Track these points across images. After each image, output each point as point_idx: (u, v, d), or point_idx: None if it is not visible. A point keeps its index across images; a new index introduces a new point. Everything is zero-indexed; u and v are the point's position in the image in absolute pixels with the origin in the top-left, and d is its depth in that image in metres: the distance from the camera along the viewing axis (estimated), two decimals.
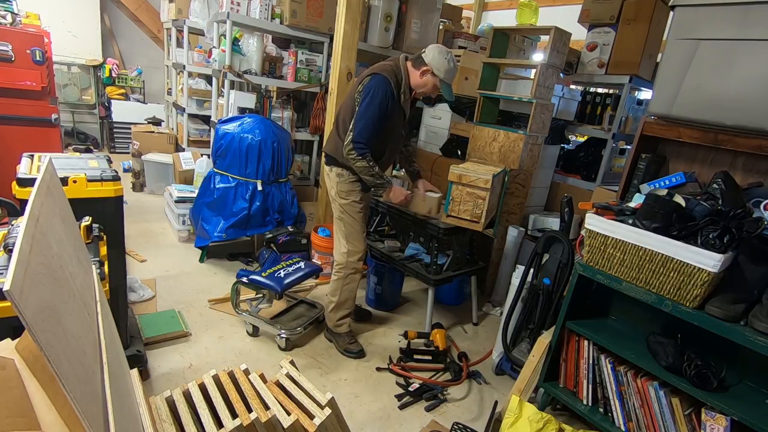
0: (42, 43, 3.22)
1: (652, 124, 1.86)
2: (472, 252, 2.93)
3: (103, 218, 1.66)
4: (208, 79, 4.66)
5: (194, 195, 3.38)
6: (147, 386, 1.97)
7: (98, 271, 1.32)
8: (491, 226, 2.70)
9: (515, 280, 2.34)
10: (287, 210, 3.22)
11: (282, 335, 2.36)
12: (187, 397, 1.30)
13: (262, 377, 1.40)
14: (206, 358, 2.24)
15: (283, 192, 3.21)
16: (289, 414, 1.25)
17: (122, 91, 6.10)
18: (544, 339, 1.98)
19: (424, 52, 2.15)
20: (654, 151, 1.97)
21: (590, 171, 3.55)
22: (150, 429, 1.14)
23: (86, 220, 1.50)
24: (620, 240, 1.60)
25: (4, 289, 0.52)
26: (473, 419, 2.10)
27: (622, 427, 1.73)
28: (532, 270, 2.24)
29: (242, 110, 3.52)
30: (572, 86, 3.89)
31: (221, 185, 3.06)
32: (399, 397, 2.15)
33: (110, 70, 5.92)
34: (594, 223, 1.68)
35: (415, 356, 2.43)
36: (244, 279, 2.40)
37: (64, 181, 1.61)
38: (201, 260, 3.24)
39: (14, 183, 1.59)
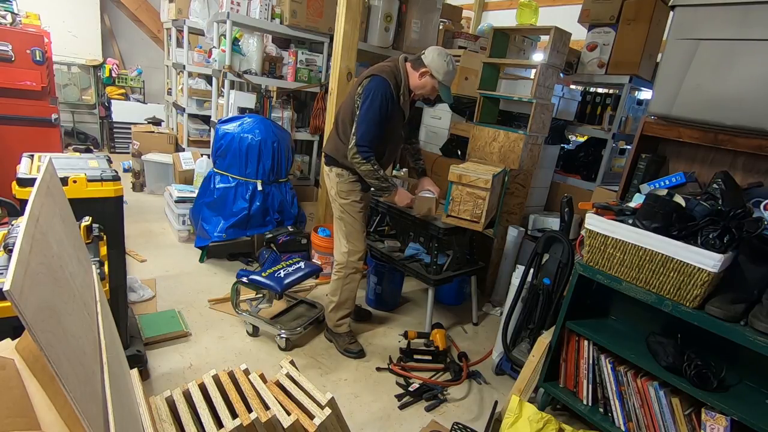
0: (42, 43, 3.22)
1: (652, 124, 1.86)
2: (472, 252, 2.93)
3: (103, 218, 1.66)
4: (208, 79, 4.66)
5: (194, 195, 3.38)
6: (147, 386, 1.97)
7: (98, 271, 1.32)
8: (491, 226, 2.70)
9: (515, 280, 2.34)
10: (287, 210, 3.22)
11: (282, 335, 2.36)
12: (187, 397, 1.30)
13: (262, 377, 1.40)
14: (206, 358, 2.24)
15: (283, 192, 3.21)
16: (289, 414, 1.25)
17: (122, 91, 6.10)
18: (544, 339, 1.98)
19: (423, 53, 2.15)
20: (654, 151, 1.97)
21: (590, 171, 3.55)
22: (150, 429, 1.14)
23: (86, 220, 1.50)
24: (620, 240, 1.60)
25: (4, 289, 0.52)
26: (473, 419, 2.10)
27: (622, 427, 1.73)
28: (532, 270, 2.24)
29: (242, 110, 3.52)
30: (572, 86, 3.89)
31: (221, 185, 3.06)
32: (399, 397, 2.15)
33: (110, 70, 5.92)
34: (594, 223, 1.68)
35: (415, 356, 2.43)
36: (244, 279, 2.40)
37: (64, 181, 1.61)
38: (201, 260, 3.24)
39: (14, 183, 1.59)
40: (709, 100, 1.63)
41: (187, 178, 4.09)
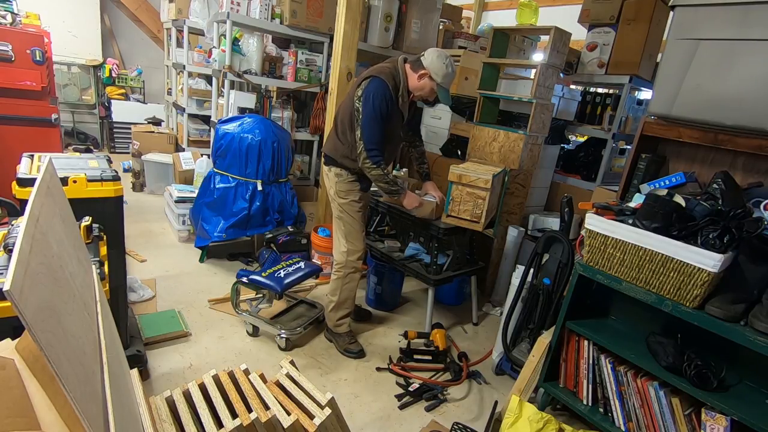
0: (42, 43, 3.22)
1: (652, 124, 1.86)
2: (472, 252, 2.93)
3: (103, 218, 1.66)
4: (208, 79, 4.66)
5: (194, 195, 3.39)
6: (147, 386, 1.97)
7: (98, 271, 1.32)
8: (491, 226, 2.70)
9: (515, 280, 2.34)
10: (287, 210, 3.22)
11: (282, 335, 2.36)
12: (187, 397, 1.30)
13: (262, 377, 1.40)
14: (206, 358, 2.24)
15: (283, 192, 3.21)
16: (289, 414, 1.25)
17: (122, 91, 6.10)
18: (544, 339, 1.98)
19: (423, 55, 2.16)
20: (654, 151, 1.97)
21: (590, 171, 3.55)
22: (150, 429, 1.14)
23: (86, 220, 1.50)
24: (620, 240, 1.60)
25: (4, 289, 0.52)
26: (473, 419, 2.10)
27: (622, 427, 1.73)
28: (532, 270, 2.24)
29: (242, 110, 3.52)
30: (572, 86, 3.89)
31: (221, 185, 3.06)
32: (399, 397, 2.15)
33: (110, 70, 5.92)
34: (594, 223, 1.68)
35: (415, 356, 2.43)
36: (244, 279, 2.40)
37: (64, 181, 1.61)
38: (201, 260, 3.24)
39: (14, 183, 1.59)
40: (709, 100, 1.63)
41: (187, 178, 4.09)
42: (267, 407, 1.27)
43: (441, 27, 4.12)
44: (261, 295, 2.45)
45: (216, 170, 3.13)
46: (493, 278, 3.25)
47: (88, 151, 4.65)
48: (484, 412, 2.14)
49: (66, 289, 0.78)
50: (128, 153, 5.45)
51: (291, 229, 2.91)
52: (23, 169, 1.68)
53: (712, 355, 1.55)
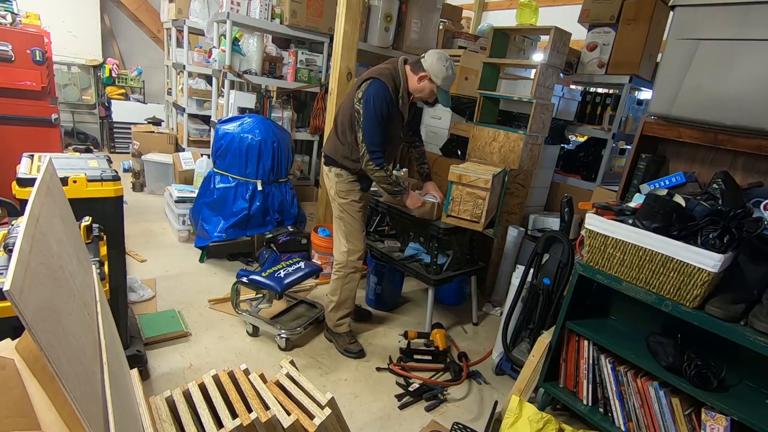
0: (42, 43, 3.22)
1: (652, 124, 1.86)
2: (472, 252, 2.93)
3: (103, 218, 1.66)
4: (208, 79, 4.66)
5: (194, 195, 3.39)
6: (147, 386, 1.97)
7: (98, 271, 1.32)
8: (491, 226, 2.70)
9: (515, 280, 2.34)
10: (287, 210, 3.22)
11: (282, 335, 2.36)
12: (187, 397, 1.30)
13: (262, 377, 1.40)
14: (206, 358, 2.24)
15: (283, 192, 3.21)
16: (289, 414, 1.25)
17: (122, 91, 6.10)
18: (544, 339, 1.98)
19: (423, 57, 2.16)
20: (654, 151, 1.97)
21: (590, 171, 3.55)
22: (150, 429, 1.14)
23: (86, 220, 1.50)
24: (620, 240, 1.60)
25: (4, 289, 0.52)
26: (473, 419, 2.10)
27: (622, 427, 1.73)
28: (532, 270, 2.24)
29: (242, 110, 3.52)
30: (572, 86, 3.89)
31: (221, 185, 3.06)
32: (399, 397, 2.15)
33: (110, 70, 5.92)
34: (594, 223, 1.68)
35: (415, 356, 2.43)
36: (244, 279, 2.40)
37: (64, 181, 1.61)
38: (201, 260, 3.24)
39: (14, 183, 1.59)
40: (709, 100, 1.63)
41: (187, 178, 4.09)
42: (267, 407, 1.27)
43: (441, 27, 4.12)
44: (261, 295, 2.45)
45: (216, 170, 3.13)
46: (493, 278, 3.25)
47: (88, 151, 4.65)
48: (484, 412, 2.14)
49: (66, 289, 0.78)
50: (128, 153, 5.45)
51: (291, 229, 2.91)
52: (23, 169, 1.68)
53: (712, 355, 1.55)
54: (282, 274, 2.42)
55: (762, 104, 1.51)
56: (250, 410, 1.24)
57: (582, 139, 4.12)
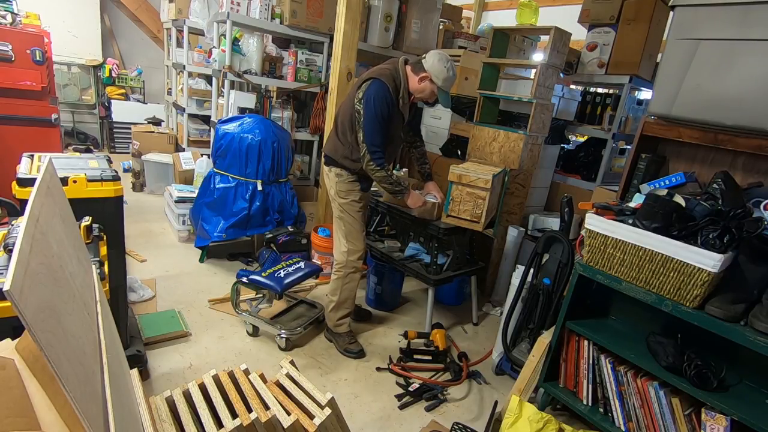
0: (42, 43, 3.22)
1: (652, 124, 1.86)
2: (472, 252, 2.93)
3: (103, 218, 1.66)
4: (208, 79, 4.66)
5: (194, 195, 3.38)
6: (147, 386, 1.97)
7: (98, 271, 1.32)
8: (491, 226, 2.70)
9: (515, 280, 2.34)
10: (287, 210, 3.22)
11: (282, 335, 2.36)
12: (187, 397, 1.30)
13: (262, 377, 1.40)
14: (206, 358, 2.24)
15: (283, 192, 3.21)
16: (289, 414, 1.25)
17: (122, 91, 6.10)
18: (544, 339, 1.98)
19: (424, 57, 2.16)
20: (654, 151, 1.98)
21: (590, 171, 3.55)
22: (150, 429, 1.14)
23: (86, 220, 1.50)
24: (620, 240, 1.60)
25: (4, 289, 0.52)
26: (473, 419, 2.10)
27: (622, 427, 1.73)
28: (532, 270, 2.24)
29: (242, 110, 3.52)
30: (572, 86, 3.89)
31: (221, 185, 3.06)
32: (399, 397, 2.15)
33: (110, 70, 5.92)
34: (594, 223, 1.68)
35: (415, 356, 2.43)
36: (244, 279, 2.40)
37: (64, 181, 1.61)
38: (201, 260, 3.24)
39: (14, 183, 1.59)
40: (709, 100, 1.63)
41: (187, 178, 4.09)
42: (267, 407, 1.27)
43: (441, 27, 4.12)
44: (261, 295, 2.45)
45: (216, 170, 3.13)
46: (493, 278, 3.25)
47: (88, 151, 4.65)
48: (484, 412, 2.14)
49: (66, 289, 0.78)
50: (128, 153, 5.45)
51: (291, 229, 2.91)
52: (23, 169, 1.68)
53: (712, 355, 1.55)
54: (282, 274, 2.42)
55: (762, 104, 1.51)
56: (250, 410, 1.24)
57: (582, 139, 4.12)
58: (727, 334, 1.38)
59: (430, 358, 2.44)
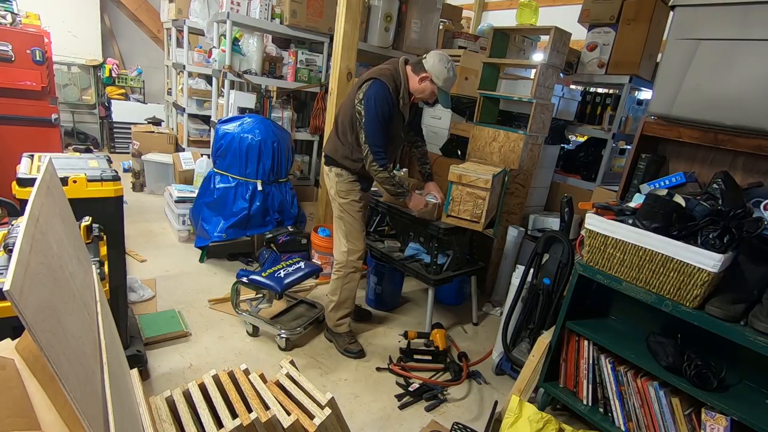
0: (42, 43, 3.22)
1: (652, 124, 1.86)
2: (472, 252, 2.93)
3: (103, 218, 1.66)
4: (208, 79, 4.66)
5: (194, 195, 3.38)
6: (147, 386, 1.97)
7: (98, 271, 1.32)
8: (491, 226, 2.70)
9: (515, 280, 2.34)
10: (287, 210, 3.22)
11: (282, 335, 2.36)
12: (187, 397, 1.30)
13: (262, 377, 1.40)
14: (206, 358, 2.24)
15: (283, 192, 3.21)
16: (289, 414, 1.25)
17: (122, 91, 6.10)
18: (544, 339, 1.98)
19: (424, 58, 2.16)
20: (654, 151, 1.98)
21: (590, 171, 3.55)
22: (150, 429, 1.14)
23: (86, 220, 1.50)
24: (620, 240, 1.60)
25: (4, 289, 0.52)
26: (473, 419, 2.10)
27: (622, 427, 1.73)
28: (532, 270, 2.24)
29: (242, 110, 3.52)
30: (572, 86, 3.89)
31: (221, 185, 3.06)
32: (399, 397, 2.15)
33: (110, 70, 5.92)
34: (594, 223, 1.68)
35: (415, 356, 2.43)
36: (244, 279, 2.40)
37: (64, 181, 1.61)
38: (201, 260, 3.24)
39: (14, 183, 1.59)
40: (709, 100, 1.63)
41: (187, 178, 4.09)
42: (267, 407, 1.27)
43: (441, 27, 4.12)
44: (261, 295, 2.45)
45: (216, 170, 3.13)
46: (493, 278, 3.25)
47: (88, 151, 4.65)
48: (484, 412, 2.14)
49: (66, 289, 0.78)
50: (128, 153, 5.45)
51: (291, 229, 2.91)
52: (23, 169, 1.68)
53: (712, 355, 1.55)
54: (282, 274, 2.42)
55: (762, 104, 1.51)
56: (250, 410, 1.24)
57: (582, 139, 4.12)
58: (727, 334, 1.38)
59: (430, 358, 2.44)
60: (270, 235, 2.75)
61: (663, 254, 1.49)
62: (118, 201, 1.77)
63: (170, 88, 5.44)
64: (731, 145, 1.65)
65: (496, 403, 2.06)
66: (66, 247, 0.92)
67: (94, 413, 0.66)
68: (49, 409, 0.77)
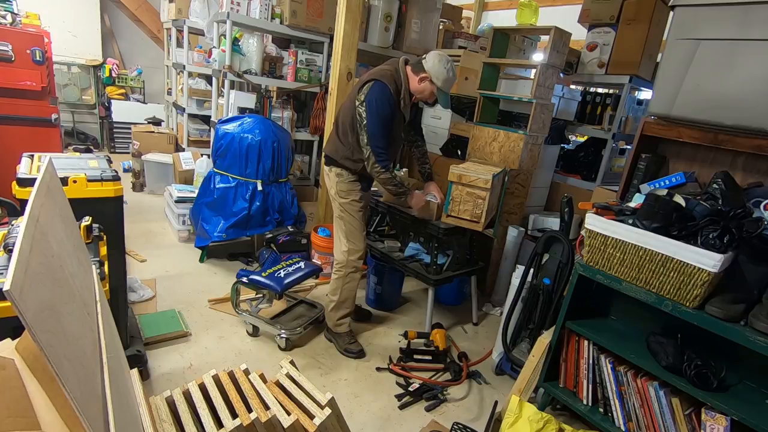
0: (42, 43, 3.22)
1: (652, 124, 1.86)
2: (472, 252, 2.93)
3: (103, 218, 1.66)
4: (208, 79, 4.66)
5: (194, 195, 3.38)
6: (147, 386, 1.97)
7: (98, 271, 1.32)
8: (491, 226, 2.70)
9: (515, 280, 2.34)
10: (287, 210, 3.22)
11: (282, 335, 2.36)
12: (187, 397, 1.30)
13: (262, 377, 1.40)
14: (206, 358, 2.24)
15: (283, 192, 3.21)
16: (289, 414, 1.25)
17: (122, 91, 6.10)
18: (544, 339, 1.98)
19: (424, 58, 2.16)
20: (654, 151, 1.97)
21: (590, 171, 3.55)
22: (150, 429, 1.14)
23: (86, 220, 1.50)
24: (620, 240, 1.60)
25: (4, 289, 0.52)
26: (473, 419, 2.10)
27: (622, 427, 1.73)
28: (532, 270, 2.24)
29: (242, 110, 3.52)
30: (572, 86, 3.89)
31: (221, 185, 3.06)
32: (399, 397, 2.15)
33: (110, 70, 5.91)
34: (594, 223, 1.68)
35: (415, 356, 2.43)
36: (244, 279, 2.40)
37: (64, 181, 1.61)
38: (201, 260, 3.24)
39: (14, 183, 1.59)
40: (708, 100, 1.63)
41: (187, 178, 4.09)
42: (267, 407, 1.27)
43: (441, 27, 4.12)
44: (261, 295, 2.45)
45: (216, 170, 3.13)
46: (493, 278, 3.25)
47: (88, 151, 4.65)
48: (484, 412, 2.14)
49: (66, 289, 0.78)
50: (128, 153, 5.44)
51: (291, 229, 2.91)
52: (23, 169, 1.68)
53: (712, 355, 1.55)
54: (282, 274, 2.42)
55: (762, 104, 1.51)
56: (250, 410, 1.24)
57: (582, 139, 4.12)
58: (727, 334, 1.38)
59: (430, 358, 2.44)
60: (270, 235, 2.75)
61: (663, 254, 1.49)
62: (118, 201, 1.78)
63: (170, 88, 5.44)
64: (731, 145, 1.65)
65: (496, 403, 2.06)
66: (66, 247, 0.92)
67: (94, 413, 0.66)
68: (49, 409, 0.77)
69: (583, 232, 1.78)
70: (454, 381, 2.31)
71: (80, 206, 1.48)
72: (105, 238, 1.64)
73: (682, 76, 1.68)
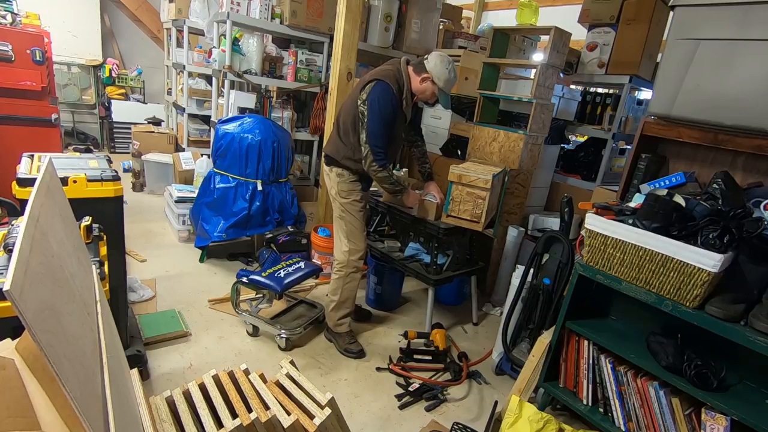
0: (42, 43, 3.22)
1: (652, 124, 1.86)
2: (472, 252, 2.93)
3: (103, 218, 1.66)
4: (208, 79, 4.66)
5: (194, 195, 3.38)
6: (147, 386, 1.97)
7: (98, 271, 1.32)
8: (491, 226, 2.70)
9: (515, 280, 2.34)
10: (287, 210, 3.22)
11: (282, 335, 2.36)
12: (187, 397, 1.30)
13: (262, 377, 1.40)
14: (206, 358, 2.24)
15: (283, 192, 3.21)
16: (289, 414, 1.25)
17: (122, 91, 6.10)
18: (544, 339, 1.98)
19: (426, 58, 2.17)
20: (654, 151, 1.98)
21: (590, 171, 3.55)
22: (150, 429, 1.14)
23: (86, 220, 1.50)
24: (620, 240, 1.60)
25: (4, 289, 0.52)
26: (473, 419, 2.10)
27: (622, 427, 1.73)
28: (532, 270, 2.24)
29: (242, 110, 3.52)
30: (572, 86, 3.89)
31: (221, 185, 3.06)
32: (399, 397, 2.15)
33: (110, 70, 5.91)
34: (594, 223, 1.68)
35: (415, 356, 2.43)
36: (244, 279, 2.40)
37: (64, 181, 1.61)
38: (201, 260, 3.24)
39: (14, 183, 1.59)
40: (708, 100, 1.63)
41: (187, 178, 4.09)
42: (267, 407, 1.27)
43: (441, 27, 4.12)
44: (261, 295, 2.45)
45: (216, 170, 3.13)
46: (493, 278, 3.25)
47: (88, 151, 4.65)
48: (484, 412, 2.14)
49: (66, 289, 0.78)
50: (128, 153, 5.44)
51: (291, 229, 2.91)
52: (23, 169, 1.68)
53: (712, 355, 1.55)
54: (282, 274, 2.42)
55: (762, 104, 1.51)
56: (250, 410, 1.24)
57: (582, 139, 4.12)
58: (727, 334, 1.38)
59: (430, 358, 2.44)
60: (270, 235, 2.75)
61: (663, 254, 1.49)
62: (118, 201, 1.78)
63: (170, 88, 5.44)
64: (731, 145, 1.65)
65: (496, 403, 2.06)
66: (66, 247, 0.92)
67: (94, 413, 0.66)
68: (49, 409, 0.77)
69: (583, 232, 1.78)
70: (454, 381, 2.31)
71: (80, 206, 1.48)
72: (105, 238, 1.64)
73: (682, 76, 1.68)
